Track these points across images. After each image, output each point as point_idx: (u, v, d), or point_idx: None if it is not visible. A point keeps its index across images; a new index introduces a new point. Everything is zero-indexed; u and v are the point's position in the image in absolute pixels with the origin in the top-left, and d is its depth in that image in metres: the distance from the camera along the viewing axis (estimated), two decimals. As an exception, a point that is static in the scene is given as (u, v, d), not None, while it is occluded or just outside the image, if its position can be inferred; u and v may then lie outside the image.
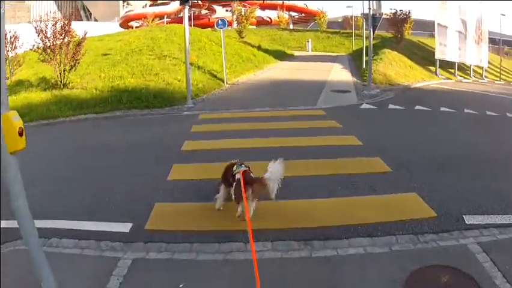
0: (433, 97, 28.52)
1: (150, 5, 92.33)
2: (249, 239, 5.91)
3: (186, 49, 22.60)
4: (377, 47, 42.15)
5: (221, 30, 28.01)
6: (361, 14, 28.82)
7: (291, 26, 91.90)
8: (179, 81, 24.95)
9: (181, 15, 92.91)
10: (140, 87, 23.70)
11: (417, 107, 22.35)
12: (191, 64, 25.53)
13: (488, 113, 22.30)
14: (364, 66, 36.76)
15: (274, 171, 7.00)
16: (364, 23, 40.61)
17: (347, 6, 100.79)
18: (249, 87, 27.36)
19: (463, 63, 51.43)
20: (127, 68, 27.10)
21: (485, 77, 55.48)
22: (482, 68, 56.57)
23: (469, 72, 52.47)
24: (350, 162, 10.88)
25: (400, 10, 49.67)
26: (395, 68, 37.52)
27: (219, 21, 28.26)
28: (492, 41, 71.51)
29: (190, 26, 67.41)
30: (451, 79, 44.99)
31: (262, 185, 7.02)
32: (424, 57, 49.31)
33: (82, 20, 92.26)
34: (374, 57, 37.25)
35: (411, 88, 33.00)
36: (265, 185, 6.98)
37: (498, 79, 58.15)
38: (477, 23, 55.29)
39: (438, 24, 44.94)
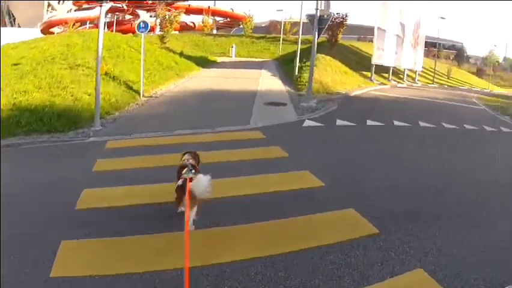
0: (380, 107, 26.17)
1: (75, 10, 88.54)
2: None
3: (98, 58, 18.21)
4: (309, 52, 39.03)
5: (142, 34, 23.95)
6: (306, 16, 24.65)
7: (215, 31, 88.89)
8: (89, 95, 20.57)
9: (106, 19, 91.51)
10: (45, 104, 19.21)
11: (369, 122, 19.67)
12: (105, 74, 22.40)
13: (446, 125, 21.48)
14: (297, 73, 33.48)
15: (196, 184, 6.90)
16: (302, 26, 37.09)
17: (277, 10, 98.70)
18: (168, 101, 23.33)
19: (397, 68, 49.13)
20: (35, 81, 22.32)
21: (418, 80, 53.99)
22: (415, 71, 54.71)
23: (402, 76, 50.83)
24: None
25: (337, 13, 46.15)
26: (330, 75, 34.42)
27: (140, 23, 24.23)
28: (430, 44, 71.00)
29: (112, 31, 65.21)
30: (385, 84, 42.66)
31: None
32: (357, 62, 47.01)
33: (6, 25, 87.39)
34: (307, 63, 34.13)
35: (352, 97, 30.14)
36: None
37: (431, 82, 57.46)
38: (415, 26, 53.57)
39: (378, 28, 42.26)
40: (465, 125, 22.36)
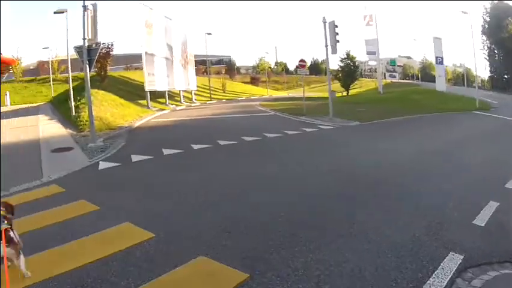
0: (169, 134, 27.02)
1: None
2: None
3: None
4: (82, 88, 38.52)
5: None
6: (74, 48, 24.06)
7: None
8: None
9: None
10: None
11: (165, 151, 20.04)
12: None
13: (247, 138, 23.20)
14: (73, 113, 32.95)
15: None
16: (70, 62, 36.31)
17: (43, 48, 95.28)
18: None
19: (172, 91, 50.01)
20: None
21: (196, 100, 55.28)
22: (191, 91, 55.92)
23: (178, 98, 51.79)
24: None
25: (102, 43, 45.55)
26: (108, 109, 34.29)
27: None
28: (199, 62, 72.71)
29: None
30: (164, 109, 43.37)
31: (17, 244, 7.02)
32: (131, 92, 47.47)
33: None
34: (82, 101, 34.32)
35: (136, 128, 30.42)
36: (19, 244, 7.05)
37: (209, 99, 58.99)
38: (183, 46, 54.67)
39: (146, 53, 42.58)
40: (267, 134, 24.02)
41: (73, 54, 29.15)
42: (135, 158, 18.91)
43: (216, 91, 67.36)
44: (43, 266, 7.64)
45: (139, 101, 42.97)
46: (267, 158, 18.92)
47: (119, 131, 27.87)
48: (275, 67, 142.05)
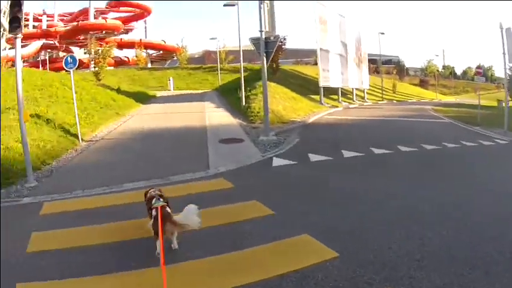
0: (346, 134, 23.93)
1: (9, 48, 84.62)
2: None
3: (19, 101, 14.97)
4: (251, 79, 36.78)
5: (70, 70, 20.97)
6: (250, 40, 21.79)
7: (150, 65, 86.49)
8: (21, 143, 17.62)
9: (39, 58, 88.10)
10: None
11: (345, 153, 17.30)
12: (35, 117, 20.21)
13: (427, 147, 19.62)
14: (244, 104, 31.00)
15: (186, 215, 7.25)
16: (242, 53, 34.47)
17: (211, 38, 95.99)
18: (111, 146, 20.28)
19: (345, 88, 47.08)
20: None
21: (367, 99, 52.07)
22: (363, 90, 52.77)
23: (350, 96, 48.71)
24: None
25: (275, 36, 43.63)
26: (280, 102, 32.04)
27: (67, 58, 21.13)
28: (372, 61, 69.71)
29: (46, 69, 61.81)
30: (337, 106, 40.43)
31: (174, 225, 7.22)
32: (303, 86, 44.94)
33: None
34: (253, 92, 32.40)
35: (309, 124, 27.72)
36: (177, 225, 7.22)
37: (381, 99, 55.70)
38: (357, 44, 51.63)
39: (321, 49, 40.11)
40: (446, 144, 20.55)
41: (244, 45, 27.40)
42: (313, 157, 16.66)
43: (385, 91, 63.70)
44: (215, 274, 6.89)
45: (311, 96, 40.64)
46: (458, 172, 15.40)
47: (291, 126, 25.81)
48: (442, 70, 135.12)
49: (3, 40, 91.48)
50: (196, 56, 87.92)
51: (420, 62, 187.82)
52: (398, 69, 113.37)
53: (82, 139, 20.71)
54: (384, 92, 60.74)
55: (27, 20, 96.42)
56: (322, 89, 39.92)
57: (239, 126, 25.09)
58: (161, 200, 7.59)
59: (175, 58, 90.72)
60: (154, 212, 7.29)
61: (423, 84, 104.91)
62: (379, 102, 53.11)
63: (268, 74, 41.91)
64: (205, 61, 79.80)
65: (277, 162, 15.78)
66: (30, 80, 28.01)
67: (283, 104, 31.77)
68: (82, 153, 18.60)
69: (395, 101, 58.39)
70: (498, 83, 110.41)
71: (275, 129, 23.61)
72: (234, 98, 36.11)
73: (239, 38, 33.24)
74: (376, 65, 78.39)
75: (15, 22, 13.74)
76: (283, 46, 43.41)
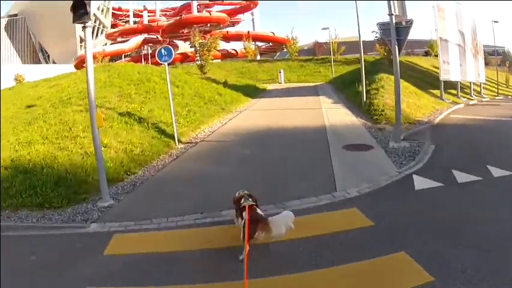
0: (483, 139, 18.58)
1: (110, 44, 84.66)
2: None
3: (91, 102, 11.63)
4: (368, 71, 32.78)
5: (165, 64, 17.73)
6: (378, 25, 17.78)
7: (259, 57, 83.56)
8: (104, 147, 14.65)
9: (142, 52, 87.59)
10: (46, 161, 13.46)
11: (494, 171, 12.42)
12: (126, 115, 18.72)
13: None
14: (365, 100, 26.66)
15: (280, 218, 7.04)
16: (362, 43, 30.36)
17: (323, 28, 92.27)
18: (211, 151, 16.77)
19: (462, 82, 41.84)
20: (43, 128, 16.94)
21: (484, 94, 46.38)
22: (479, 84, 47.12)
23: (467, 91, 43.08)
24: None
25: (407, 21, 38.93)
26: (403, 98, 27.44)
27: (161, 50, 17.78)
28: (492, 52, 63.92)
29: (148, 63, 60.24)
30: (457, 103, 35.27)
31: (265, 227, 6.94)
32: (419, 78, 39.95)
33: (40, 62, 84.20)
34: (373, 86, 28.42)
35: (437, 125, 22.97)
36: (268, 228, 6.93)
37: (496, 94, 49.74)
38: (472, 33, 45.89)
39: (441, 38, 35.44)
40: None
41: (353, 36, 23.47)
42: (459, 176, 12.09)
43: (496, 85, 57.09)
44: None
45: (431, 91, 35.79)
46: None
47: (419, 127, 21.46)
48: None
49: (103, 36, 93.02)
50: (306, 47, 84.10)
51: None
52: (504, 60, 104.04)
53: (178, 141, 17.57)
54: (496, 87, 54.68)
55: (128, 16, 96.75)
56: (442, 83, 35.25)
57: (363, 126, 20.90)
58: (250, 199, 7.38)
59: (285, 50, 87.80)
60: (245, 215, 6.99)
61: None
62: (496, 98, 47.26)
63: (385, 66, 37.95)
64: (315, 53, 76.06)
65: (419, 183, 11.64)
66: (126, 74, 25.82)
67: (406, 100, 27.45)
68: (176, 159, 15.47)
69: (510, 97, 52.27)
70: None
71: (403, 131, 19.53)
72: (351, 93, 32.14)
73: (358, 25, 29.07)
74: (495, 56, 72.09)
75: (80, 8, 10.52)
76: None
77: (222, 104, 27.95)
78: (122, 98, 21.56)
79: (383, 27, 17.63)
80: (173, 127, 17.93)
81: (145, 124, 18.33)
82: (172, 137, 17.58)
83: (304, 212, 9.51)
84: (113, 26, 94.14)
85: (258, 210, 7.24)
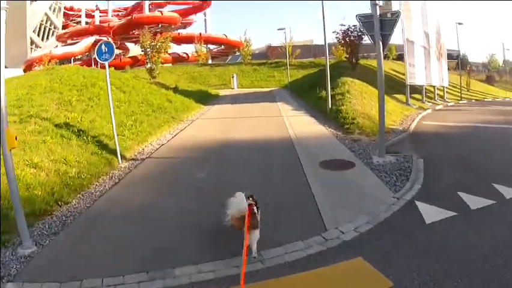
0: (472, 150, 16.22)
1: (62, 46, 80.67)
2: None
3: (1, 117, 8.27)
4: (330, 75, 30.35)
5: (105, 63, 14.59)
6: (358, 18, 14.88)
7: (210, 61, 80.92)
8: (35, 167, 11.76)
9: (93, 55, 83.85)
10: None
11: (504, 192, 10.23)
12: (63, 127, 15.60)
13: None
14: (330, 106, 24.03)
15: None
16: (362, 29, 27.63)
17: (278, 29, 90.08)
18: (161, 172, 13.66)
19: (427, 85, 39.80)
20: None
21: (447, 98, 44.45)
22: (443, 88, 45.19)
23: (431, 95, 41.09)
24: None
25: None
26: (371, 104, 25.30)
27: (100, 46, 14.60)
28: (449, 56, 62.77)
29: (97, 67, 56.92)
30: (423, 108, 33.16)
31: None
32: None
33: None
34: (337, 90, 26.18)
35: (414, 134, 20.58)
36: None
37: (459, 99, 48.05)
38: (437, 35, 43.98)
39: (407, 40, 33.26)
40: None
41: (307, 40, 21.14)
42: (470, 201, 9.80)
43: (459, 89, 55.43)
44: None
45: (395, 95, 33.57)
46: None
47: (396, 137, 18.95)
48: (502, 65, 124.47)
49: (53, 38, 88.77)
50: (257, 51, 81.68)
51: (478, 57, 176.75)
52: (468, 65, 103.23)
53: (122, 157, 14.57)
54: (457, 90, 52.81)
55: (79, 17, 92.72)
56: (408, 87, 33.06)
57: (334, 137, 18.23)
58: (250, 199, 7.54)
59: (237, 53, 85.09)
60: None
61: (489, 80, 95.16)
62: (459, 102, 45.52)
63: (347, 69, 35.56)
64: (267, 57, 73.82)
65: (427, 213, 9.11)
66: (69, 78, 22.65)
67: (375, 106, 25.18)
68: (117, 184, 12.30)
69: (473, 101, 50.66)
70: None
71: (377, 139, 16.86)
72: (312, 98, 29.59)
73: (323, 25, 25.87)
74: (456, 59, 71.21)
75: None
76: (363, 36, 36.49)
77: (172, 112, 25.08)
78: (62, 106, 18.50)
79: (364, 19, 14.71)
80: (119, 139, 15.08)
81: (85, 137, 15.22)
82: (114, 152, 14.55)
83: (293, 267, 6.99)
84: (64, 27, 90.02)
85: (255, 209, 7.28)
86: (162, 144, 17.64)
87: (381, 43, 14.12)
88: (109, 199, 10.91)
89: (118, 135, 15.09)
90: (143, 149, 16.67)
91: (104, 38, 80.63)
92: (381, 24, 14.01)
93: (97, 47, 14.72)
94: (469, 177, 11.93)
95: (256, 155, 15.17)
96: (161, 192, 11.32)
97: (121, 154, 14.58)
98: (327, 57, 25.58)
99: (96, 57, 14.82)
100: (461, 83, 52.84)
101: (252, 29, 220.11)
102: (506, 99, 61.56)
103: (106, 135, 16.06)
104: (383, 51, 14.42)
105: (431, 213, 9.09)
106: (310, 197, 10.30)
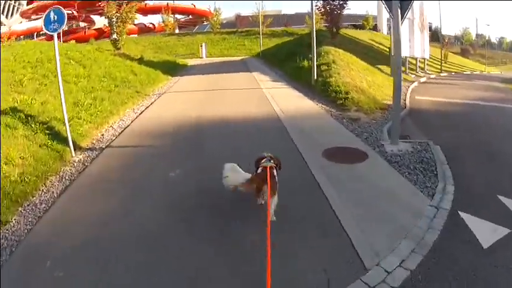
0: (482, 132, 14.11)
1: (27, 21, 77.29)
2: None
3: None
4: (309, 44, 27.83)
5: (53, 34, 11.58)
6: None
7: (177, 31, 78.32)
8: None
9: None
10: None
11: None
12: (9, 113, 12.40)
13: None
14: (316, 78, 21.30)
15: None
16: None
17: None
18: (125, 167, 10.56)
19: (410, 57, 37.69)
20: None
21: (427, 70, 42.39)
22: (424, 60, 43.03)
23: (412, 67, 38.89)
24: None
25: None
26: (361, 76, 22.81)
27: (49, 13, 11.60)
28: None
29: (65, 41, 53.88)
30: (408, 80, 30.98)
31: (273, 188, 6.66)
32: (365, 53, 35.47)
33: None
34: (321, 60, 23.50)
35: (412, 111, 18.32)
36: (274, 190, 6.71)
37: (440, 71, 46.23)
38: (420, 7, 41.73)
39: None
40: None
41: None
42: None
43: (438, 61, 53.33)
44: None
45: (379, 67, 31.19)
46: None
47: (392, 112, 16.01)
48: (475, 39, 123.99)
49: (17, 14, 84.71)
50: (225, 21, 79.14)
51: (451, 29, 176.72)
52: (434, 36, 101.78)
53: (76, 147, 11.74)
54: (436, 63, 50.87)
55: None
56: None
57: (329, 116, 15.48)
58: (271, 161, 7.27)
59: (205, 23, 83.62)
60: (260, 170, 7.06)
61: (465, 53, 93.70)
62: (440, 74, 43.66)
63: (326, 37, 32.96)
64: (237, 26, 71.33)
65: (479, 230, 6.87)
66: (24, 55, 19.57)
67: (365, 78, 22.60)
68: (68, 188, 9.28)
69: (453, 73, 49.00)
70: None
71: (379, 119, 15.02)
72: (291, 68, 26.69)
73: None
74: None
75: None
76: (345, 5, 34.03)
77: (137, 86, 22.07)
78: (12, 87, 15.20)
79: None
80: (73, 123, 12.39)
81: (33, 125, 12.01)
82: (68, 141, 11.56)
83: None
84: (29, 3, 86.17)
85: (275, 172, 7.07)
86: (126, 127, 14.61)
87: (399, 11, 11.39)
88: (54, 216, 7.89)
89: (73, 117, 12.40)
90: (102, 135, 13.63)
91: (69, 12, 77.56)
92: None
93: (44, 15, 11.71)
94: (500, 171, 9.83)
95: (240, 141, 12.18)
96: (122, 204, 8.27)
97: (75, 143, 11.66)
98: (314, 23, 22.90)
99: (43, 27, 11.79)
100: (441, 56, 50.89)
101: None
102: (484, 72, 60.39)
103: (59, 119, 12.83)
104: (403, 16, 11.68)
105: (483, 230, 6.86)
106: (327, 207, 7.62)
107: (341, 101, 17.11)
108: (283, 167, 7.56)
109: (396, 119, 11.87)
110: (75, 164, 10.86)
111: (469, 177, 9.31)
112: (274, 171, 7.06)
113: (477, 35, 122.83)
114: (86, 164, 10.85)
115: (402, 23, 11.65)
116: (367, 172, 9.47)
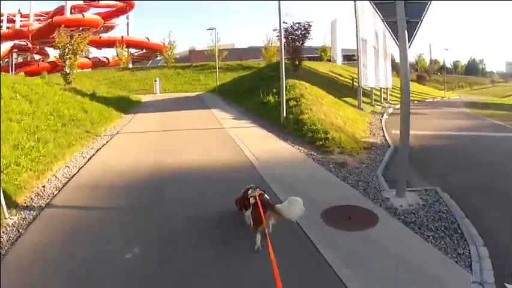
0: (481, 173, 12.54)
1: None
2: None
3: None
4: (271, 77, 26.40)
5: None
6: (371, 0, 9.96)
7: (131, 65, 76.78)
8: None
9: (9, 61, 77.84)
10: None
11: None
12: None
13: None
14: (284, 115, 19.29)
15: (289, 205, 6.63)
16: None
17: (208, 29, 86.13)
18: (68, 237, 7.91)
19: (366, 88, 35.99)
20: None
21: (390, 101, 40.92)
22: (386, 90, 41.55)
23: (376, 98, 37.26)
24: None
25: (297, 23, 32.09)
26: (332, 111, 21.10)
27: None
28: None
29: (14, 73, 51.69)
30: (376, 112, 29.73)
31: (276, 212, 6.71)
32: (329, 85, 34.10)
33: None
34: (288, 95, 21.93)
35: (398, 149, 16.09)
36: (278, 213, 6.68)
37: (400, 100, 44.63)
38: (383, 34, 40.46)
39: (362, 38, 30.06)
40: None
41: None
42: None
43: (396, 91, 51.88)
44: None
45: (345, 99, 29.86)
46: None
47: (382, 155, 14.45)
48: (430, 65, 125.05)
49: None
50: (178, 56, 77.72)
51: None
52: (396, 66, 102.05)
53: (11, 204, 9.41)
54: (395, 91, 50.24)
55: (1, 22, 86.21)
56: (361, 90, 29.41)
57: (311, 160, 13.38)
58: (258, 189, 7.31)
59: (158, 57, 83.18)
60: (252, 200, 6.95)
61: (421, 80, 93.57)
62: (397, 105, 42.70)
63: (288, 70, 31.22)
64: (191, 60, 69.94)
65: None
66: None
67: (338, 113, 20.88)
68: None
69: (416, 102, 48.14)
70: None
71: (368, 162, 13.19)
72: (254, 104, 25.05)
73: (279, 17, 20.77)
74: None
75: None
76: (307, 35, 32.28)
77: (87, 125, 19.76)
78: None
79: (379, 1, 10.10)
80: (10, 171, 10.43)
81: None
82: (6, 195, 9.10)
83: None
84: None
85: (266, 196, 7.16)
86: (71, 176, 12.12)
87: (406, 35, 9.44)
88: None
89: (11, 164, 10.26)
90: (44, 186, 11.14)
91: (23, 43, 75.35)
92: (407, 7, 9.37)
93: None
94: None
95: (210, 198, 9.70)
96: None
97: (10, 199, 9.30)
98: (283, 55, 20.78)
99: None
100: (402, 84, 49.75)
101: (176, 31, 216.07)
102: (445, 98, 60.24)
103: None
104: (410, 43, 9.67)
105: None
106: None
107: (321, 142, 15.08)
108: (275, 239, 5.63)
109: (403, 169, 9.85)
110: (8, 229, 8.35)
111: (497, 235, 7.80)
112: (266, 196, 7.18)
113: (431, 61, 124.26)
114: (20, 230, 8.29)
115: (409, 47, 9.57)
116: (386, 242, 7.25)
